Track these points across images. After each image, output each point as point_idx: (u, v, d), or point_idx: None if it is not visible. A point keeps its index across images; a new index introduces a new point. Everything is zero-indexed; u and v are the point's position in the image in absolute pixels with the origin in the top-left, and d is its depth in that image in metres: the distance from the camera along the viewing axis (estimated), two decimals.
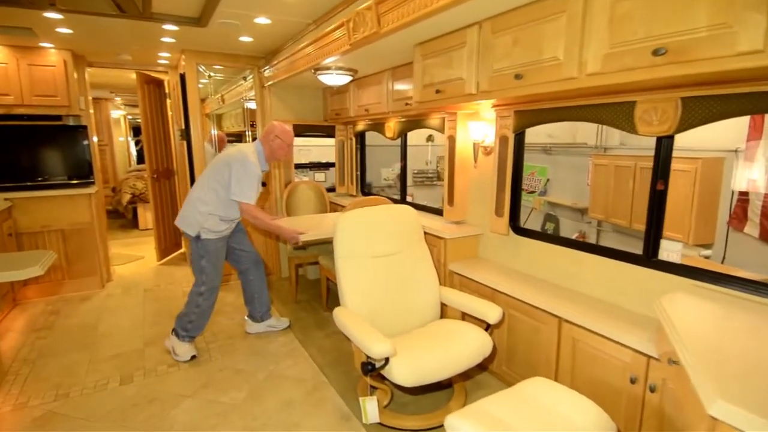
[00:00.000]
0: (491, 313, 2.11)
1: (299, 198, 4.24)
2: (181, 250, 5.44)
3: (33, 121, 3.78)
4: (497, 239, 2.66)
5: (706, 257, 2.84)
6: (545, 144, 4.90)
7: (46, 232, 3.80)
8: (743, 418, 0.88)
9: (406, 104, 2.90)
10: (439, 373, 1.92)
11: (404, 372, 1.85)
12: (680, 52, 1.28)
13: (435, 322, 2.37)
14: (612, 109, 1.87)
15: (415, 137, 3.78)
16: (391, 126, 3.58)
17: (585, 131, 5.00)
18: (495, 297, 2.37)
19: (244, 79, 4.47)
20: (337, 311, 2.19)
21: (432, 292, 2.44)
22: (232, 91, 5.67)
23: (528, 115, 2.28)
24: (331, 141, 5.11)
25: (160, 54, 4.11)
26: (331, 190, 4.60)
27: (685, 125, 1.62)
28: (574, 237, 4.32)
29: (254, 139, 5.18)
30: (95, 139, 4.35)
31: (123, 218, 7.52)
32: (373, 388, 2.10)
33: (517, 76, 1.71)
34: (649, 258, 1.94)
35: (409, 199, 3.86)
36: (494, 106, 2.43)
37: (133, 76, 4.95)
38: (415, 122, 3.29)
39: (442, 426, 1.69)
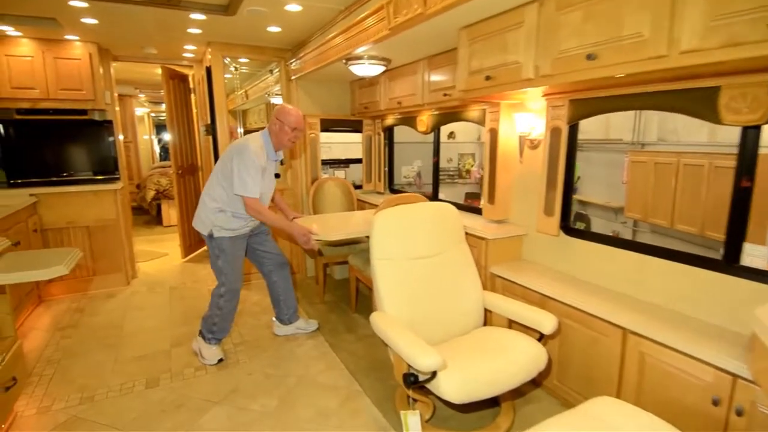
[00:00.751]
0: (546, 322, 1.91)
1: (325, 195, 4.10)
2: (205, 247, 5.36)
3: (58, 115, 3.73)
4: (545, 240, 2.46)
5: None
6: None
7: (71, 228, 3.75)
8: None
9: (445, 95, 2.71)
10: (492, 388, 1.74)
11: (453, 387, 1.67)
12: None
13: (479, 330, 2.19)
14: (689, 97, 1.65)
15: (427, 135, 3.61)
16: (424, 120, 3.40)
17: (619, 126, 4.74)
18: (544, 303, 2.18)
19: (270, 72, 4.35)
20: (375, 316, 2.03)
21: (475, 297, 2.26)
22: (256, 86, 5.58)
23: (586, 104, 2.07)
24: (353, 137, 4.97)
25: (185, 47, 4.01)
26: (357, 187, 4.44)
27: None
28: None
29: None
30: (121, 136, 4.29)
31: (147, 215, 7.54)
32: (414, 400, 1.94)
33: (590, 57, 1.51)
34: (729, 263, 1.73)
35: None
36: (546, 94, 2.23)
37: (158, 71, 4.90)
38: (451, 115, 3.10)
39: None
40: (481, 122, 2.77)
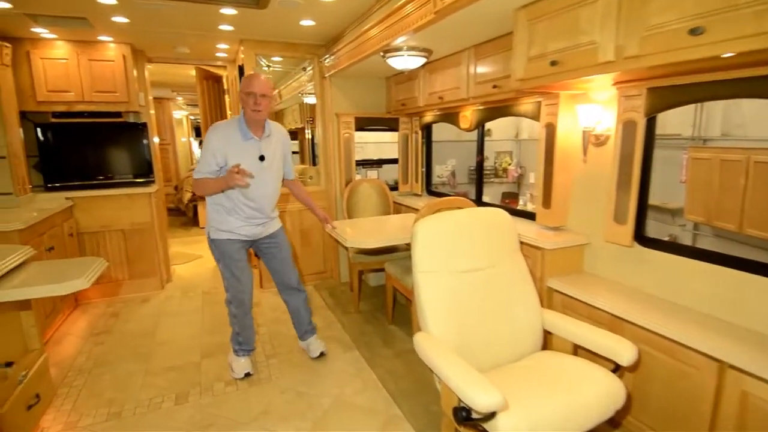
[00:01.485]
0: (624, 351, 1.61)
1: (360, 198, 3.89)
2: None
3: (93, 118, 3.70)
4: (613, 251, 2.14)
5: None
6: None
7: (106, 232, 3.72)
8: None
9: (494, 86, 2.44)
10: (562, 431, 1.47)
11: (516, 430, 1.41)
12: None
13: (538, 356, 1.91)
14: None
15: (470, 132, 3.33)
16: (467, 115, 3.12)
17: (676, 121, 4.30)
18: (616, 326, 1.87)
19: (304, 69, 4.19)
20: (420, 339, 1.79)
21: (532, 316, 1.98)
22: (289, 85, 5.46)
23: (669, 92, 1.75)
24: (386, 136, 4.76)
25: (218, 46, 3.91)
26: (392, 188, 4.21)
27: None
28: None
29: (312, 136, 4.93)
30: (156, 139, 4.25)
31: (184, 216, 7.62)
32: None
33: (695, 31, 1.21)
34: None
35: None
36: (617, 82, 1.92)
37: (193, 72, 4.86)
38: (499, 110, 2.81)
39: None
40: (534, 117, 2.47)
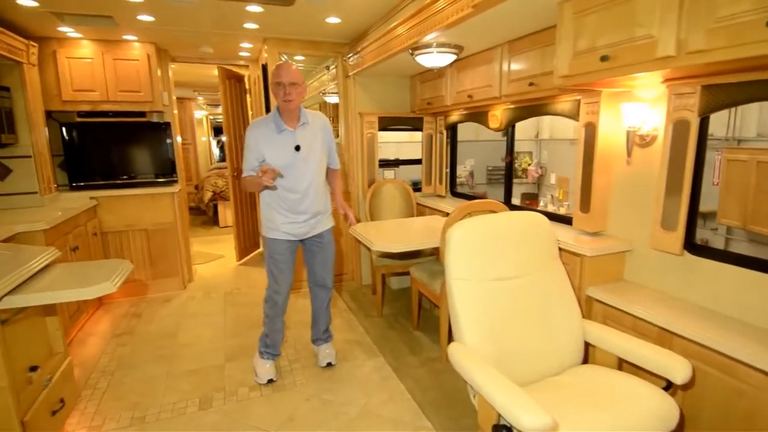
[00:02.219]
0: (679, 368, 1.49)
1: (383, 200, 3.81)
2: (259, 250, 5.28)
3: (118, 117, 3.71)
4: (659, 259, 2.01)
5: None
6: None
7: (130, 232, 3.72)
8: None
9: (531, 84, 2.32)
10: None
11: None
12: None
13: (579, 371, 1.80)
14: None
15: (489, 132, 3.21)
16: (497, 115, 3.01)
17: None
18: (665, 340, 1.75)
19: (327, 68, 4.13)
20: (455, 350, 1.69)
21: (573, 327, 1.86)
22: (310, 84, 5.41)
23: (727, 90, 1.62)
24: (405, 136, 4.67)
25: (241, 45, 3.87)
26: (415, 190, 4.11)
27: None
28: None
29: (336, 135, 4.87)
30: (179, 138, 4.25)
31: (204, 215, 7.66)
32: None
33: None
34: None
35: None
36: (667, 79, 1.79)
37: (215, 72, 4.84)
38: (532, 109, 2.69)
39: None
40: (572, 116, 2.35)
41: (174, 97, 4.19)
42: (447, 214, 3.42)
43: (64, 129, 3.55)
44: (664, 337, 1.76)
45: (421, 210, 3.87)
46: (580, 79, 1.73)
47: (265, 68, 3.73)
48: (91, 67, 3.49)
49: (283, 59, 3.78)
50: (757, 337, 1.57)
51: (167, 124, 3.92)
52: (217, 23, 3.17)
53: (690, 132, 1.76)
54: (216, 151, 10.32)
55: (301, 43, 3.70)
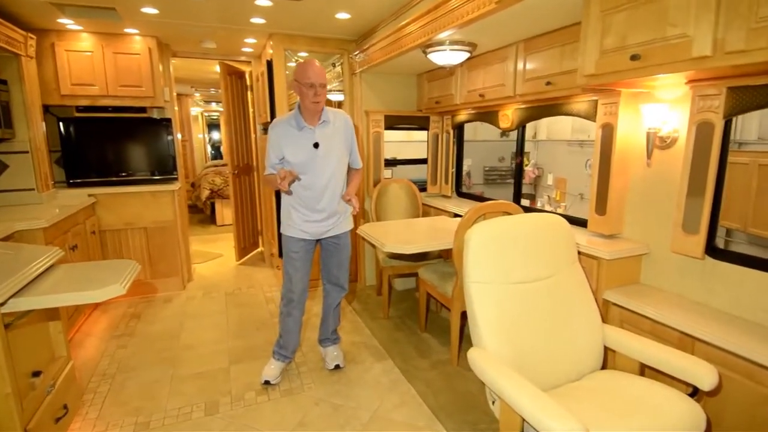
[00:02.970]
0: (705, 374, 1.46)
1: (389, 199, 3.76)
2: (259, 249, 5.21)
3: (118, 113, 3.61)
4: (679, 262, 1.98)
5: None
6: None
7: (129, 230, 3.64)
8: None
9: (547, 83, 2.29)
10: None
11: None
12: None
13: (600, 376, 1.76)
14: None
15: (487, 131, 3.17)
16: (509, 114, 2.97)
17: None
18: (686, 345, 1.71)
19: (333, 66, 4.07)
20: (475, 355, 1.65)
21: (593, 331, 1.83)
22: None
23: (753, 92, 1.59)
24: (406, 135, 4.64)
25: (245, 40, 3.80)
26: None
27: None
28: None
29: None
30: (179, 135, 4.16)
31: (201, 213, 7.55)
32: None
33: None
34: None
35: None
36: (690, 81, 1.76)
37: (216, 68, 4.76)
38: (546, 108, 2.65)
39: None
40: (589, 116, 2.32)
41: (174, 93, 4.10)
42: (454, 215, 3.39)
43: (62, 124, 3.45)
44: (685, 342, 1.73)
45: (427, 210, 3.82)
46: (608, 78, 1.69)
47: (270, 64, 3.65)
48: (90, 61, 3.39)
49: (287, 55, 3.71)
50: None
51: (168, 121, 3.83)
52: (223, 17, 3.10)
53: (714, 134, 1.73)
54: (210, 148, 10.20)
55: (307, 39, 3.64)
